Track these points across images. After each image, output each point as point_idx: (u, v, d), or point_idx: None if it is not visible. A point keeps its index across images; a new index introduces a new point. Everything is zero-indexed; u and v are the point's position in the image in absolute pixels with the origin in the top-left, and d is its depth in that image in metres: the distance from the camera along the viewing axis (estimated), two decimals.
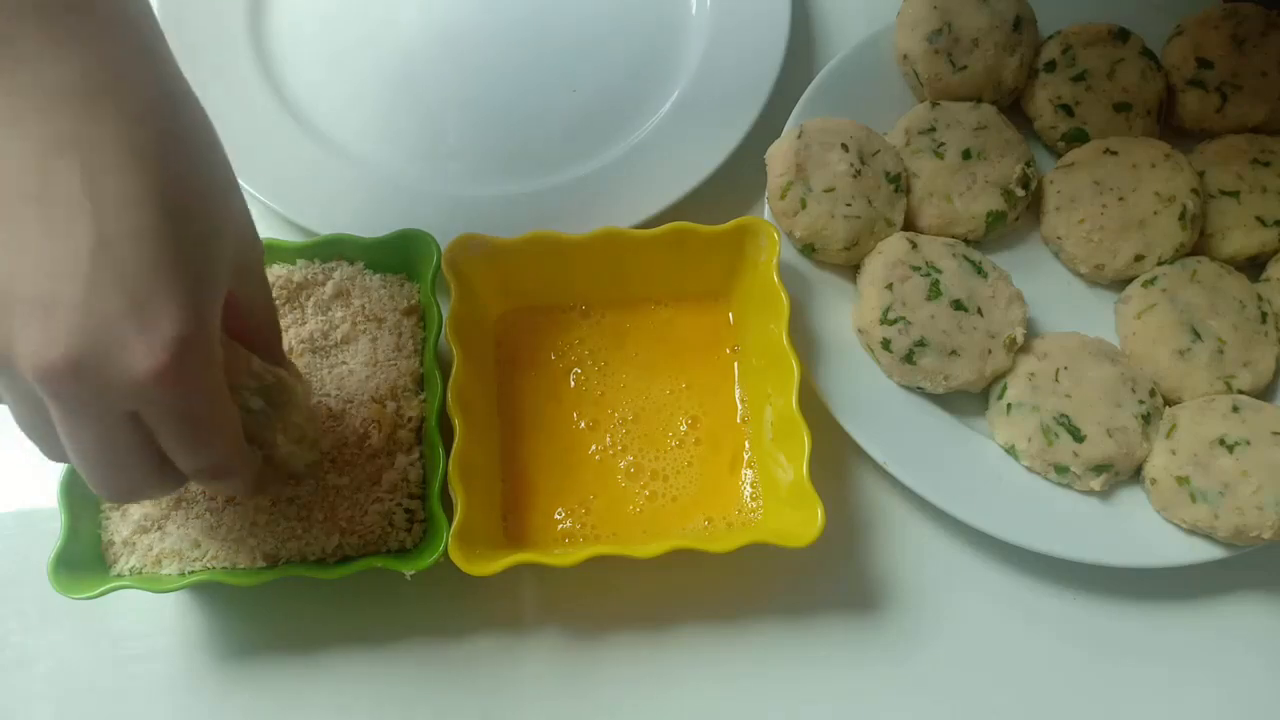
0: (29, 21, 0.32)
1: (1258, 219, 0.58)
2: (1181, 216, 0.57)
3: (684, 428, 0.55)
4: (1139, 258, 0.57)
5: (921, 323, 0.53)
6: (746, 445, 0.54)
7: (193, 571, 0.48)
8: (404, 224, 0.55)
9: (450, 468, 0.48)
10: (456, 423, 0.49)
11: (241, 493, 0.47)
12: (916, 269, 0.54)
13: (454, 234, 0.53)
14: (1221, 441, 0.51)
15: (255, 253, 0.42)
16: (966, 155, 0.58)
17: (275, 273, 0.54)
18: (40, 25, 0.32)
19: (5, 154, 0.33)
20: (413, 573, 0.47)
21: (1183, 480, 0.51)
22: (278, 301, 0.53)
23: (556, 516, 0.52)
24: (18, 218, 0.32)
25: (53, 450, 0.38)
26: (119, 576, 0.48)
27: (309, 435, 0.47)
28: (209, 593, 0.53)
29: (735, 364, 0.56)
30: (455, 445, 0.49)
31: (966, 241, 0.59)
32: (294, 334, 0.54)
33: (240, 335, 0.42)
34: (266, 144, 0.62)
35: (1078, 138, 0.61)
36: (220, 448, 0.38)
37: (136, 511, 0.50)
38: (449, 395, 0.50)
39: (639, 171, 0.61)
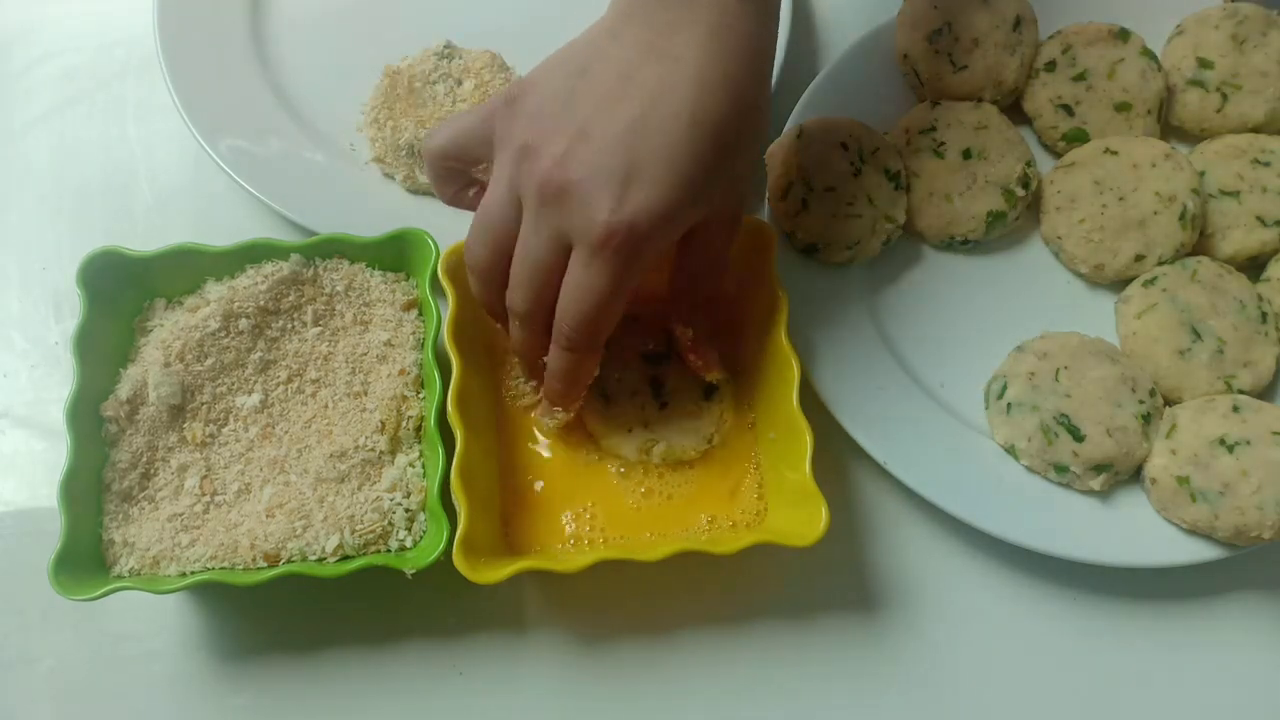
0: None
1: (1258, 219, 0.58)
2: (1181, 216, 0.57)
3: None
4: (1139, 258, 0.57)
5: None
6: (747, 445, 0.54)
7: (193, 572, 0.48)
8: (403, 223, 0.55)
9: (453, 477, 0.48)
10: (458, 431, 0.49)
11: (559, 381, 0.49)
12: None
13: (453, 234, 0.53)
14: (1221, 441, 0.51)
15: (733, 205, 0.48)
16: (967, 155, 0.58)
17: (276, 270, 0.54)
18: None
19: (630, 42, 0.43)
20: (413, 571, 0.47)
21: (1183, 480, 0.51)
22: (277, 299, 0.54)
23: (557, 519, 0.52)
24: (602, 80, 0.43)
25: (486, 245, 0.46)
26: (119, 577, 0.48)
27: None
28: (209, 593, 0.53)
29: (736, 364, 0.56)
30: (457, 453, 0.48)
31: (966, 241, 0.59)
32: (295, 333, 0.54)
33: (677, 270, 0.50)
34: (266, 144, 0.62)
35: (1078, 138, 0.61)
36: (587, 328, 0.44)
37: (137, 511, 0.50)
38: (450, 403, 0.49)
39: None
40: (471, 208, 0.48)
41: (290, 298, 0.54)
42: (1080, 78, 0.61)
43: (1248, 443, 0.50)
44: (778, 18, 0.47)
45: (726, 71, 0.43)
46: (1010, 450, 0.54)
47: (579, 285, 0.43)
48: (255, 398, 0.52)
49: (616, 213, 0.41)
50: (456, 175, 0.49)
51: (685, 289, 0.51)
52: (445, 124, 0.49)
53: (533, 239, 0.44)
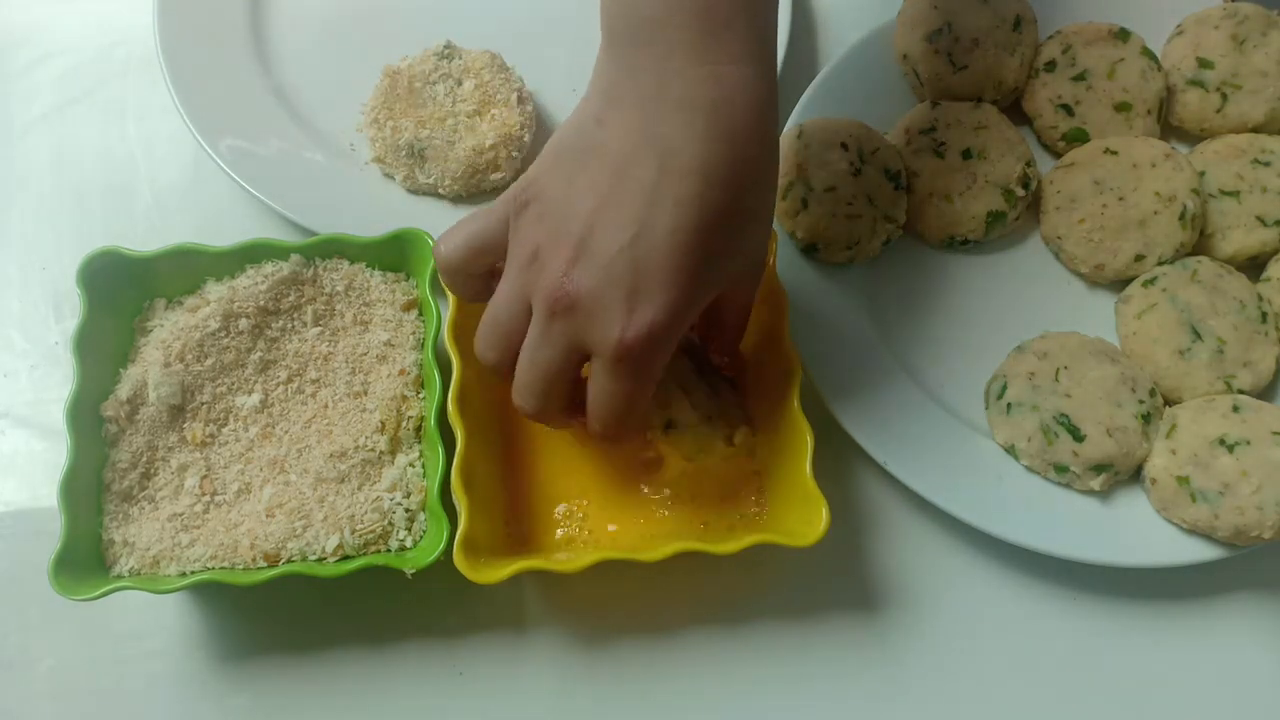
0: (684, 46, 0.41)
1: (1258, 219, 0.58)
2: (1181, 216, 0.57)
3: None
4: (1139, 258, 0.57)
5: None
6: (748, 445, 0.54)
7: (193, 571, 0.48)
8: (403, 223, 0.55)
9: (453, 477, 0.48)
10: (458, 431, 0.49)
11: (601, 441, 0.49)
12: None
13: None
14: (1221, 441, 0.51)
15: (753, 271, 0.47)
16: (967, 155, 0.58)
17: (276, 270, 0.54)
18: (691, 49, 0.41)
19: (620, 130, 0.41)
20: (413, 571, 0.47)
21: (1183, 480, 0.51)
22: (277, 299, 0.54)
23: (558, 519, 0.52)
24: (597, 176, 0.41)
25: (497, 348, 0.45)
26: (119, 577, 0.48)
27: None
28: (209, 593, 0.53)
29: None
30: (458, 453, 0.48)
31: (966, 241, 0.59)
32: (295, 333, 0.54)
33: (703, 324, 0.50)
34: (266, 144, 0.62)
35: (1078, 138, 0.61)
36: (620, 424, 0.45)
37: (137, 511, 0.50)
38: (450, 404, 0.49)
39: None
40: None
41: (290, 298, 0.54)
42: (1080, 78, 0.61)
43: (1248, 443, 0.51)
44: (775, 62, 0.44)
45: (732, 156, 0.41)
46: (1010, 450, 0.54)
47: (607, 391, 0.43)
48: (255, 398, 0.52)
49: (629, 328, 0.41)
50: (472, 279, 0.47)
51: (717, 333, 0.51)
52: (455, 232, 0.46)
53: (543, 349, 0.43)
